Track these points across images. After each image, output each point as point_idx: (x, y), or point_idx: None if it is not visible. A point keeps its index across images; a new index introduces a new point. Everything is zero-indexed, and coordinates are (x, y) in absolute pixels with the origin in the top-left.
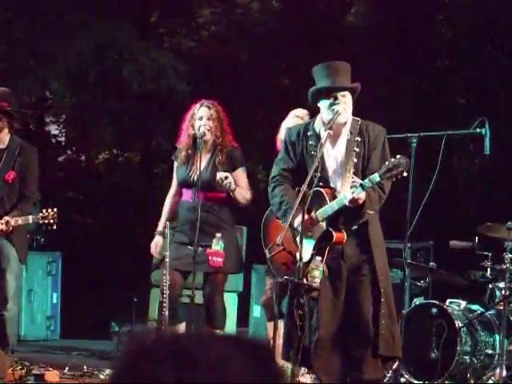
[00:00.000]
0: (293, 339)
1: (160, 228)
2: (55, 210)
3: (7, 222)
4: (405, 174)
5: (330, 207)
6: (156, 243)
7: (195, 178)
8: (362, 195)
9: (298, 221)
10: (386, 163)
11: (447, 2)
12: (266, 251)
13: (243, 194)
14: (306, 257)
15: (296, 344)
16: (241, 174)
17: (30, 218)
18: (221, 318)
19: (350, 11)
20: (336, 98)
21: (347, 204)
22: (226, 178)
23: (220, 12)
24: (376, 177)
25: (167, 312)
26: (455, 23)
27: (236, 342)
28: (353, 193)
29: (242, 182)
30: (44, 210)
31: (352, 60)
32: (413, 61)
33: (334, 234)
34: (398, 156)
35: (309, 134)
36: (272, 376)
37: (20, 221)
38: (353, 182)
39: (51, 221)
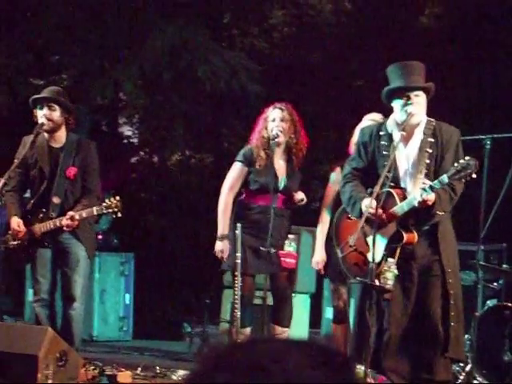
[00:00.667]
0: (364, 340)
1: (225, 231)
2: (118, 198)
3: (72, 217)
4: (474, 175)
5: (400, 208)
6: (224, 248)
7: (273, 182)
8: (431, 197)
9: (365, 204)
10: (455, 165)
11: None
12: (338, 251)
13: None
14: (378, 257)
15: (367, 345)
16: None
17: (94, 209)
18: (288, 317)
19: (424, 13)
20: (409, 98)
21: (416, 205)
22: (303, 200)
23: (292, 13)
24: (445, 178)
25: (239, 313)
26: None
27: (311, 351)
28: (422, 194)
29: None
30: (107, 200)
31: (425, 61)
32: (488, 62)
33: (404, 234)
34: (467, 158)
35: (381, 134)
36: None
37: (84, 213)
38: (422, 183)
39: (115, 209)
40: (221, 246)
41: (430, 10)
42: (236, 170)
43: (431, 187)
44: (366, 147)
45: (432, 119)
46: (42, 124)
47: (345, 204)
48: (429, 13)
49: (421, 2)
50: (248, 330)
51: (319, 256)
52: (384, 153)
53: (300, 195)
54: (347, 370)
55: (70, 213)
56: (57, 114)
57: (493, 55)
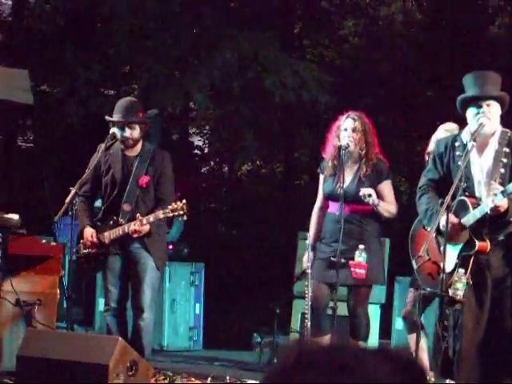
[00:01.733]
0: (438, 350)
1: (310, 242)
2: (184, 201)
3: (140, 221)
4: None
5: (473, 215)
6: (308, 258)
7: (341, 190)
8: (503, 202)
9: (442, 222)
10: None
11: None
12: (413, 262)
13: (387, 207)
14: (450, 266)
15: (440, 355)
16: (386, 186)
17: (161, 212)
18: (364, 330)
19: (495, 23)
20: (481, 107)
21: (488, 211)
22: (370, 195)
23: (363, 24)
24: None
25: (309, 323)
26: None
27: (390, 358)
28: (493, 200)
29: (386, 195)
30: (173, 203)
31: (496, 70)
32: None
33: (476, 242)
34: None
35: (456, 144)
36: None
37: (151, 217)
38: (495, 188)
39: (181, 212)
40: (306, 257)
41: (500, 19)
42: (320, 181)
43: (503, 192)
44: (441, 158)
45: (507, 130)
46: (114, 134)
47: (421, 215)
48: (499, 23)
49: (490, 12)
50: (325, 338)
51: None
52: (459, 163)
53: (366, 190)
54: (422, 379)
55: (140, 218)
56: (137, 132)
57: None
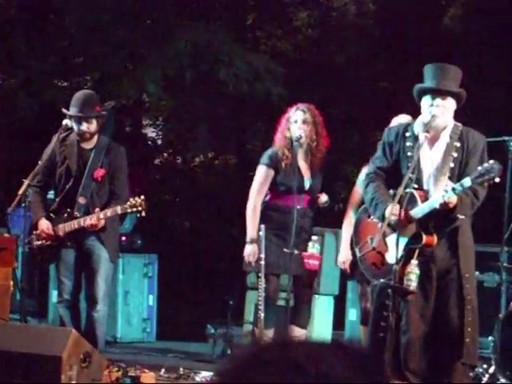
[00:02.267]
0: (381, 342)
1: (254, 235)
2: (142, 197)
3: (97, 216)
4: (497, 179)
5: (421, 209)
6: (254, 251)
7: (298, 183)
8: (453, 199)
9: (388, 211)
10: (479, 168)
11: None
12: (357, 250)
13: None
14: (394, 258)
15: (386, 347)
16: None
17: (119, 208)
18: (307, 319)
19: (447, 14)
20: (435, 99)
21: (438, 207)
22: (327, 202)
23: (316, 15)
24: (467, 181)
25: (263, 314)
26: None
27: (346, 353)
28: (443, 196)
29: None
30: (131, 199)
31: (449, 62)
32: (509, 61)
33: (423, 236)
34: (490, 161)
35: (407, 134)
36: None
37: (109, 213)
38: (445, 185)
39: (139, 208)
40: (250, 250)
41: (453, 11)
42: (262, 174)
43: (453, 189)
44: (391, 147)
45: (459, 124)
46: (79, 135)
47: (367, 204)
48: (452, 14)
49: (443, 4)
50: (271, 331)
51: (344, 255)
52: (409, 154)
53: (324, 197)
54: (381, 373)
55: (97, 210)
56: (93, 126)
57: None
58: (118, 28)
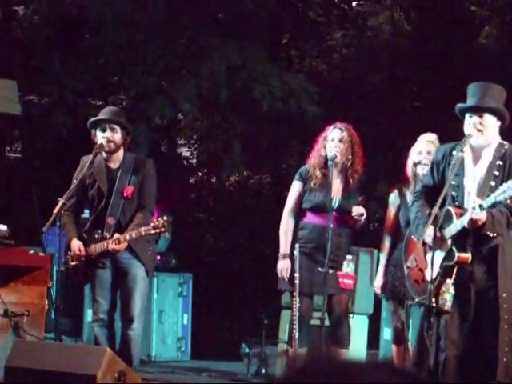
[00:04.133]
0: (423, 361)
1: (287, 251)
2: (165, 218)
3: (118, 240)
4: None
5: (455, 226)
6: (286, 266)
7: (328, 202)
8: (481, 216)
9: (428, 235)
10: (503, 185)
11: None
12: (404, 268)
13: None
14: (433, 274)
15: (425, 366)
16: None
17: (142, 230)
18: (347, 338)
19: (482, 33)
20: (471, 118)
21: (466, 224)
22: (362, 214)
23: (351, 34)
24: (491, 198)
25: (297, 334)
26: None
27: (392, 372)
28: (471, 213)
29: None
30: (155, 220)
31: (485, 81)
32: None
33: (456, 253)
34: None
35: (453, 153)
36: None
37: (134, 234)
38: (473, 202)
39: (162, 229)
40: (282, 265)
41: (488, 30)
42: (294, 189)
43: (480, 206)
44: (438, 166)
45: (505, 142)
46: (102, 145)
47: (411, 222)
48: (487, 33)
49: (478, 23)
50: (304, 350)
51: (381, 280)
52: (453, 172)
53: (359, 209)
54: None
55: (116, 235)
56: (118, 136)
57: None
58: (153, 47)
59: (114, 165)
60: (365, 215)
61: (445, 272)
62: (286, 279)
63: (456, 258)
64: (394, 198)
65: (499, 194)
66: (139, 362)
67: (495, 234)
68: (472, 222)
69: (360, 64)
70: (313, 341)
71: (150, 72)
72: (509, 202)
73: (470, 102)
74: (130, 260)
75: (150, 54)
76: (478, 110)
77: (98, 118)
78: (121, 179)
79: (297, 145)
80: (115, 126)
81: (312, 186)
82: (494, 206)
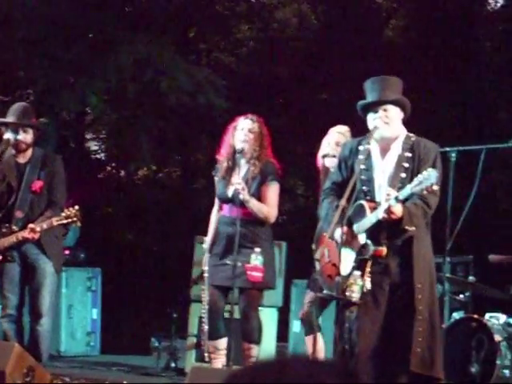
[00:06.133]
0: (338, 353)
1: (208, 245)
2: (76, 207)
3: (32, 229)
4: (435, 187)
5: (368, 220)
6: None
7: (231, 193)
8: (396, 209)
9: (337, 233)
10: (418, 176)
11: (487, 16)
12: (316, 263)
13: (259, 207)
14: (346, 270)
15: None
16: (270, 188)
17: (54, 220)
18: (257, 333)
19: (389, 26)
20: (377, 112)
21: (380, 217)
22: (243, 189)
23: (258, 28)
24: (407, 190)
25: (206, 327)
26: (495, 37)
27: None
28: (385, 205)
29: (268, 197)
30: (66, 210)
31: (392, 74)
32: (453, 75)
33: (371, 247)
34: (429, 169)
35: (360, 148)
36: None
37: (45, 225)
38: (387, 194)
39: (74, 218)
40: (204, 260)
41: (395, 22)
42: (216, 184)
43: (396, 198)
44: (346, 161)
45: (412, 134)
46: (9, 140)
47: (322, 220)
48: (394, 26)
49: (385, 15)
50: (221, 341)
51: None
52: (362, 167)
53: (239, 184)
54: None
55: (31, 225)
56: (30, 136)
57: (460, 68)
58: (60, 41)
59: (22, 159)
60: (245, 190)
61: (358, 266)
62: (206, 274)
63: (372, 252)
64: None
65: (415, 186)
66: (48, 357)
67: (413, 228)
68: (387, 213)
69: (268, 57)
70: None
71: (56, 66)
72: (424, 192)
73: (372, 97)
74: (39, 255)
75: (57, 48)
76: (382, 104)
77: (10, 121)
78: (29, 174)
79: (205, 138)
80: (27, 128)
81: (220, 177)
82: (409, 198)
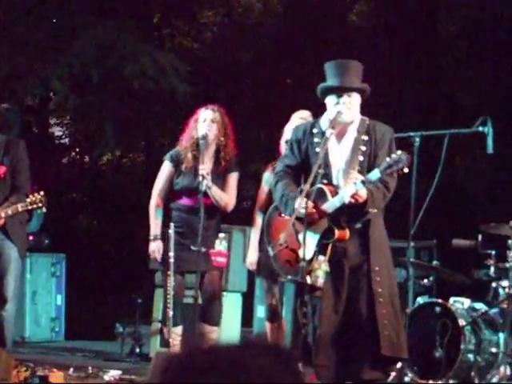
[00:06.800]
0: (298, 338)
1: (158, 232)
2: (42, 193)
3: None
4: (405, 169)
5: (332, 204)
6: (157, 247)
7: (196, 184)
8: (362, 193)
9: (297, 205)
10: (387, 159)
11: (450, 1)
12: (269, 248)
13: (220, 194)
14: (309, 254)
15: (301, 343)
16: (230, 178)
17: (19, 205)
18: (218, 316)
19: (353, 10)
20: (341, 97)
21: (347, 201)
22: (208, 174)
23: (222, 13)
24: (376, 173)
25: (171, 312)
26: (458, 21)
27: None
28: (352, 189)
29: (228, 187)
30: (31, 196)
31: (354, 58)
32: (416, 59)
33: (335, 230)
34: (398, 152)
35: (314, 131)
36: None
37: (10, 211)
38: (354, 178)
39: (39, 204)
40: (153, 247)
41: (359, 7)
42: (164, 170)
43: (362, 182)
44: (299, 144)
45: (366, 118)
46: None
47: (277, 202)
48: (357, 10)
49: (349, 0)
50: (179, 328)
51: (253, 257)
52: (317, 150)
53: (204, 170)
54: (297, 368)
55: None
56: None
57: (423, 53)
58: (22, 27)
59: None
60: (208, 178)
61: (320, 250)
62: (159, 260)
63: (336, 235)
64: (268, 176)
65: (384, 169)
66: (12, 343)
67: (375, 210)
68: (354, 197)
69: (232, 42)
70: (186, 319)
71: (19, 52)
72: (384, 176)
73: (334, 81)
74: (3, 241)
75: (19, 34)
76: (346, 90)
77: None
78: None
79: (169, 124)
80: None
81: (184, 169)
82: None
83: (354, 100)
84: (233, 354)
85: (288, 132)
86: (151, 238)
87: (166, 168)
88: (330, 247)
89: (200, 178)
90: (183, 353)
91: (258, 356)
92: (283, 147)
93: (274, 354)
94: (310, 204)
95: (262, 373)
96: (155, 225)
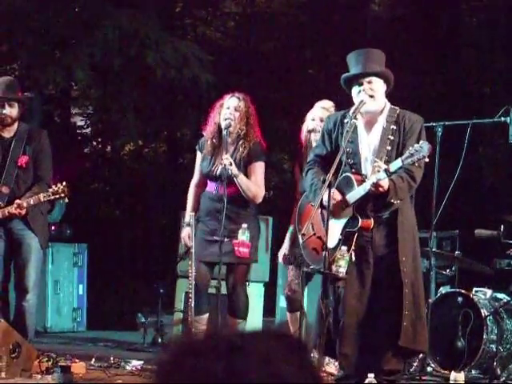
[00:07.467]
0: (321, 328)
1: (188, 219)
2: (64, 183)
3: (19, 205)
4: (426, 159)
5: (357, 192)
6: (188, 234)
7: (218, 170)
8: (384, 182)
9: (325, 198)
10: (410, 149)
11: None
12: (300, 237)
13: (247, 184)
14: (333, 243)
15: (324, 333)
16: (257, 168)
17: (41, 195)
18: (243, 308)
19: (374, 1)
20: (362, 85)
21: (368, 189)
22: (231, 164)
23: (244, 2)
24: (398, 162)
25: (193, 302)
26: (480, 12)
27: (276, 337)
28: (375, 177)
29: (254, 176)
30: (54, 186)
31: (378, 48)
32: (439, 49)
33: (359, 219)
34: (420, 141)
35: (345, 121)
36: (310, 370)
37: (32, 201)
38: (378, 166)
39: (62, 194)
40: (183, 233)
41: None
42: (196, 159)
43: (385, 171)
44: (330, 134)
45: (396, 107)
46: (1, 119)
47: (307, 190)
48: (379, 1)
49: None
50: (203, 317)
51: (286, 250)
52: (347, 140)
53: (227, 159)
54: (310, 359)
55: (17, 201)
56: (16, 110)
57: (446, 43)
58: (44, 15)
59: (7, 134)
60: (233, 165)
61: (345, 239)
62: (188, 245)
63: (360, 224)
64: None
65: (406, 158)
66: (34, 333)
67: (399, 201)
68: (375, 186)
69: (254, 32)
70: (211, 309)
71: (41, 41)
72: (410, 166)
73: (355, 70)
74: (24, 231)
75: (41, 23)
76: (366, 76)
77: None
78: (15, 148)
79: (192, 113)
80: (13, 102)
81: (205, 154)
82: (397, 170)
83: (376, 86)
84: (233, 339)
85: (308, 121)
86: (183, 224)
87: (197, 156)
88: (355, 236)
89: (223, 167)
90: (186, 337)
91: (260, 342)
92: (303, 136)
93: (280, 341)
94: (337, 193)
95: (263, 358)
96: (187, 211)
